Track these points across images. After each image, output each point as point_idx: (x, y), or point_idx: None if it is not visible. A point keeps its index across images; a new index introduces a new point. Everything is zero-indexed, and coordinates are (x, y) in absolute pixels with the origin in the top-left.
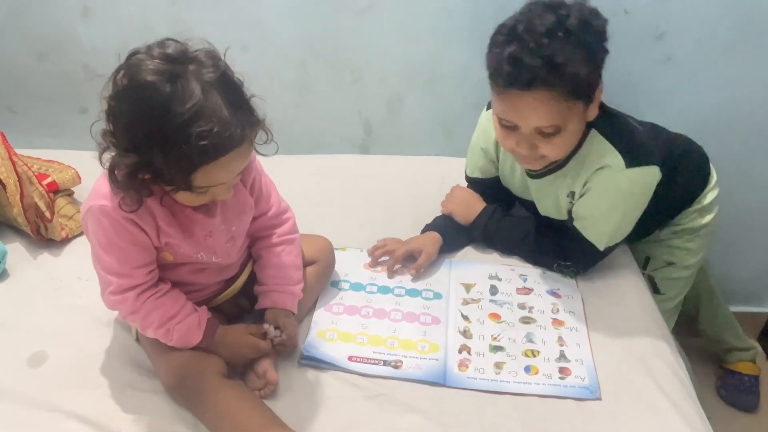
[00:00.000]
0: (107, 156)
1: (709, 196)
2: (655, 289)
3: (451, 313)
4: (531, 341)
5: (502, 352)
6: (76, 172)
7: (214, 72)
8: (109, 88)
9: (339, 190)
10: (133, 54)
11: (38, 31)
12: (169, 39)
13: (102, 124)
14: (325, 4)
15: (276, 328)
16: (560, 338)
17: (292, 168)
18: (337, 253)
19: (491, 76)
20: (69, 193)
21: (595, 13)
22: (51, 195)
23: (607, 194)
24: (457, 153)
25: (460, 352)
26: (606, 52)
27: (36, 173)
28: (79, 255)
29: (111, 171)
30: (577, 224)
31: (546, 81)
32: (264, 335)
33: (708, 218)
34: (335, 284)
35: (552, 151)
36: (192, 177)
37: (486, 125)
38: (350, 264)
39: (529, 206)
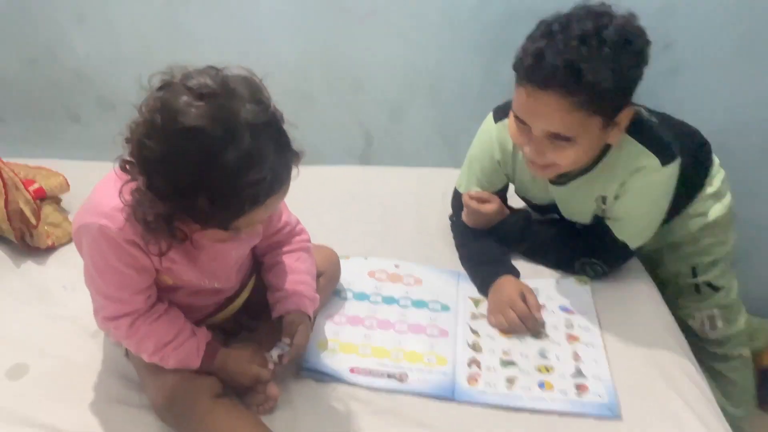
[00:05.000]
0: (127, 188)
1: (717, 178)
2: (714, 289)
3: (460, 327)
4: (544, 357)
5: (513, 367)
6: (65, 179)
7: (262, 112)
8: (139, 122)
9: (339, 201)
10: (167, 85)
11: (30, 36)
12: (207, 67)
13: (122, 150)
14: (325, 10)
15: (284, 343)
16: (575, 354)
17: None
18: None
19: (514, 66)
20: (56, 201)
21: (639, 32)
22: (38, 202)
23: (647, 195)
24: (459, 164)
25: (469, 365)
26: (640, 75)
27: (23, 179)
28: (65, 263)
29: (141, 215)
30: (611, 224)
31: (564, 84)
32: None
33: (725, 202)
34: (337, 293)
35: (561, 160)
36: (235, 221)
37: (499, 135)
38: (353, 273)
39: (546, 212)
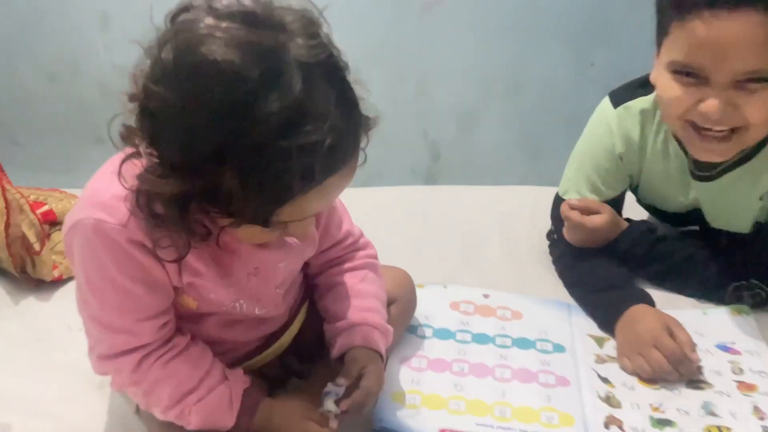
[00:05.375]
0: (131, 168)
1: None
2: None
3: (583, 373)
4: (712, 414)
5: (672, 428)
6: None
7: (318, 50)
8: (146, 66)
9: (404, 223)
10: (185, 9)
11: (50, 48)
12: None
13: (126, 117)
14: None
15: (337, 384)
16: (756, 409)
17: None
18: None
19: None
20: None
21: None
22: (45, 226)
23: None
24: (546, 180)
25: (607, 426)
26: None
27: (31, 201)
28: (73, 300)
29: (145, 201)
30: None
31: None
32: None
33: None
34: (413, 330)
35: (757, 115)
36: (278, 210)
37: (620, 123)
38: (431, 304)
39: (682, 222)
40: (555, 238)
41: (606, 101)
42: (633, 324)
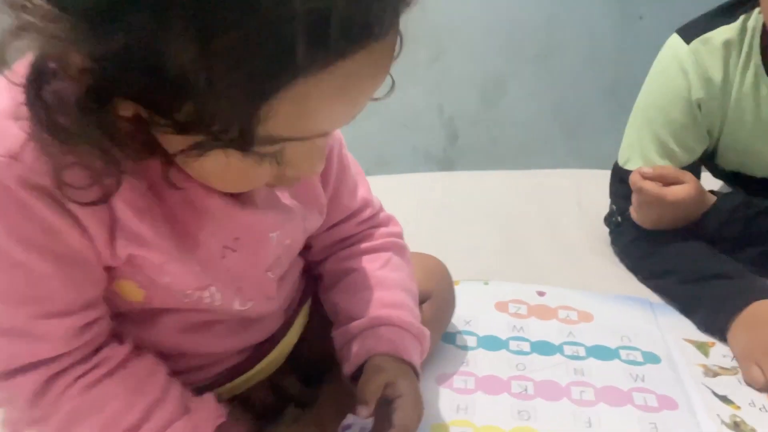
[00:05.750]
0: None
1: None
2: None
3: (692, 390)
4: None
5: None
6: None
7: None
8: None
9: (421, 216)
10: None
11: None
12: None
13: None
14: None
15: (359, 417)
16: None
17: None
18: None
19: None
20: None
21: None
22: None
23: None
24: (586, 162)
25: None
26: None
27: None
28: None
29: (32, 85)
30: None
31: None
32: None
33: None
34: (450, 338)
35: None
36: (264, 109)
37: (697, 60)
38: (471, 305)
39: None
40: (618, 221)
41: (674, 38)
42: (758, 323)
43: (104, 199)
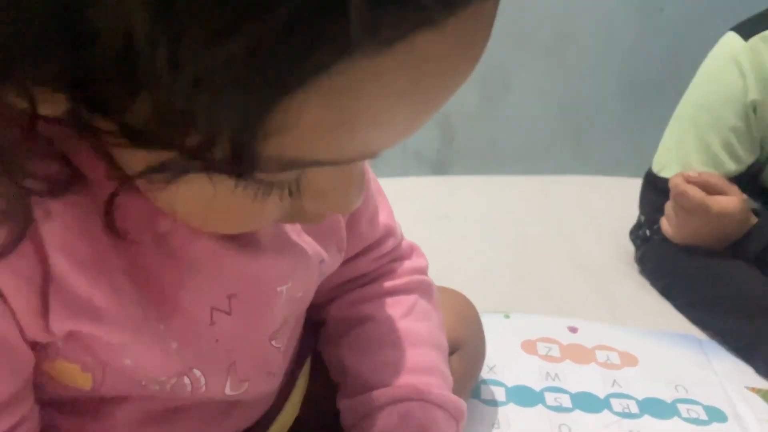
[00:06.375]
0: None
1: None
2: None
3: None
4: None
5: None
6: None
7: None
8: None
9: (415, 228)
10: None
11: None
12: None
13: None
14: None
15: None
16: None
17: None
18: None
19: None
20: None
21: None
22: None
23: None
24: (592, 169)
25: None
26: None
27: None
28: None
29: None
30: None
31: None
32: None
33: None
34: (475, 392)
35: None
36: (278, 111)
37: (755, 59)
38: (493, 345)
39: None
40: (647, 235)
41: (730, 35)
42: None
43: (10, 247)
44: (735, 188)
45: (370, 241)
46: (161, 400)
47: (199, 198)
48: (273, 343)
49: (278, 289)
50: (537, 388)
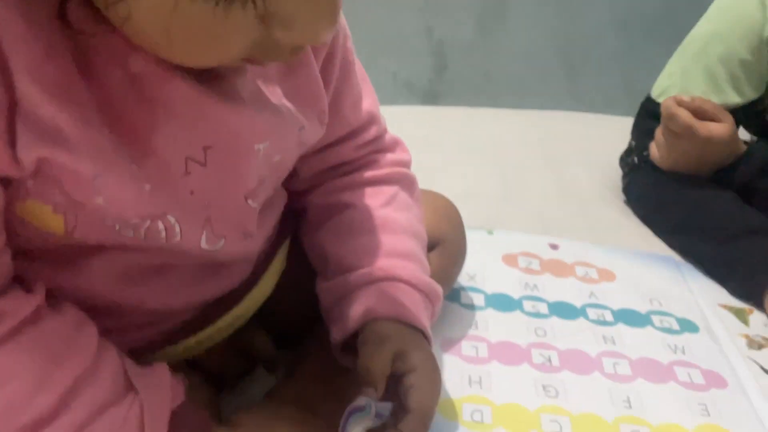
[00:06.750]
0: None
1: None
2: None
3: (740, 365)
4: None
5: None
6: None
7: None
8: None
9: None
10: None
11: None
12: None
13: None
14: None
15: (368, 396)
16: None
17: None
18: None
19: None
20: None
21: None
22: None
23: None
24: (586, 106)
25: None
26: None
27: None
28: None
29: None
30: None
31: None
32: None
33: None
34: (455, 296)
35: None
36: None
37: None
38: (475, 257)
39: None
40: (635, 162)
41: None
42: None
43: None
44: (728, 115)
45: (353, 127)
46: (137, 254)
47: (159, 11)
48: (249, 202)
49: (255, 146)
50: (516, 296)
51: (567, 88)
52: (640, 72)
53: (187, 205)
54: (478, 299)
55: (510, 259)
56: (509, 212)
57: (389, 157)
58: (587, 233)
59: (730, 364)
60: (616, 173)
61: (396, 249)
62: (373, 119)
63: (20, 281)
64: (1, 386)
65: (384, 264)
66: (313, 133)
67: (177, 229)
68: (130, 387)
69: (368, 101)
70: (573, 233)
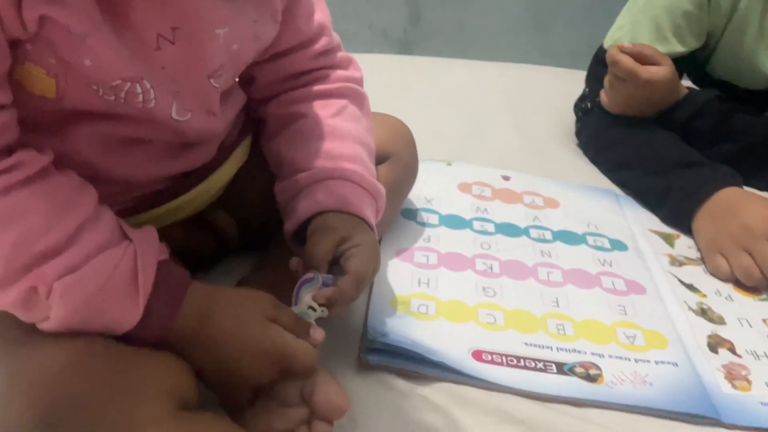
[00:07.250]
0: None
1: None
2: None
3: (660, 278)
4: None
5: None
6: None
7: None
8: None
9: (378, 98)
10: None
11: None
12: None
13: None
14: None
15: (316, 273)
16: None
17: None
18: None
19: None
20: None
21: None
22: None
23: None
24: (552, 60)
25: (714, 350)
26: None
27: None
28: None
29: None
30: None
31: None
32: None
33: None
34: (411, 215)
35: None
36: None
37: None
38: (433, 184)
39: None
40: (587, 106)
41: None
42: (730, 211)
43: None
44: (667, 59)
45: (305, 37)
46: (118, 124)
47: None
48: (212, 81)
49: (216, 31)
50: (467, 217)
51: (535, 43)
52: (606, 29)
53: (159, 77)
54: (432, 219)
55: (465, 187)
56: (469, 149)
57: (340, 73)
58: (539, 170)
59: (651, 276)
60: (573, 122)
61: (343, 153)
62: (323, 30)
63: (31, 144)
64: (20, 218)
65: (331, 165)
66: (268, 30)
67: (152, 94)
68: (125, 236)
69: (320, 14)
70: (526, 170)
